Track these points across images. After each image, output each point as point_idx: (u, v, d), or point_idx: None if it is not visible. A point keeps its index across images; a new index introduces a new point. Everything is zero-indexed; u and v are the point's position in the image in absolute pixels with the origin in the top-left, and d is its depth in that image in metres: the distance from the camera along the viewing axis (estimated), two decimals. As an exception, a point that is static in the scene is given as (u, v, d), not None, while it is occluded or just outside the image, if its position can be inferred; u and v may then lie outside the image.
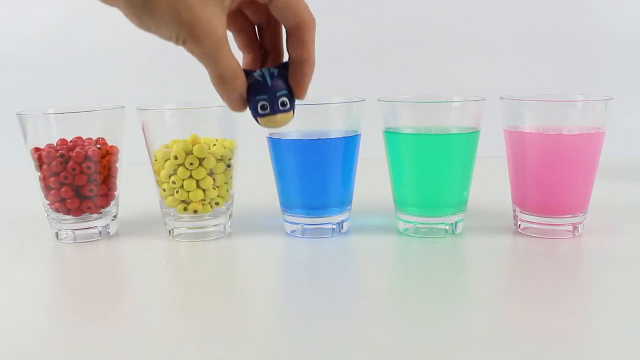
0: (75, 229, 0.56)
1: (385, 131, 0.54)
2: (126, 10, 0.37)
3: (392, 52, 0.98)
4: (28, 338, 0.37)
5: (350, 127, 0.54)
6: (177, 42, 0.38)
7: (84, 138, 0.55)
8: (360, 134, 0.55)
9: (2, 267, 0.51)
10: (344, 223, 0.56)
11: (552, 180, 0.52)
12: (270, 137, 0.55)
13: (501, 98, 0.54)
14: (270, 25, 0.43)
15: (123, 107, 0.57)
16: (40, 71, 0.98)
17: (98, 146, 0.55)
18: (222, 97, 0.41)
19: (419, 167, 0.53)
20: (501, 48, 0.97)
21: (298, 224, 0.55)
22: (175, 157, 0.52)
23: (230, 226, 0.57)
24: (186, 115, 0.56)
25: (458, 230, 0.55)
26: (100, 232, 0.56)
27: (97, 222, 0.56)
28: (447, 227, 0.54)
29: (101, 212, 0.56)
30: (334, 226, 0.55)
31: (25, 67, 0.99)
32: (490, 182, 0.64)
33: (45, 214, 0.56)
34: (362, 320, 0.39)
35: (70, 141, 0.55)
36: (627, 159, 0.88)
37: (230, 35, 0.41)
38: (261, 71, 0.42)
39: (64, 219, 0.55)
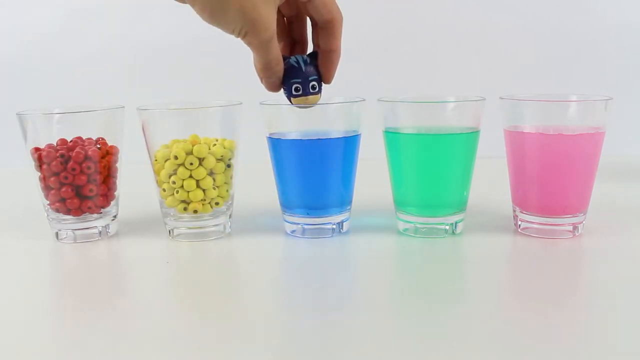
0: (75, 229, 0.56)
1: (385, 131, 0.54)
2: (201, 7, 0.43)
3: (393, 52, 0.98)
4: (28, 338, 0.37)
5: (350, 127, 0.54)
6: (238, 34, 0.44)
7: (84, 138, 0.55)
8: (360, 134, 0.55)
9: (2, 267, 0.51)
10: (344, 223, 0.56)
11: (552, 180, 0.52)
12: (270, 137, 0.55)
13: (501, 98, 0.54)
14: (298, 19, 0.50)
15: (123, 107, 0.57)
16: (40, 71, 0.98)
17: (98, 146, 0.55)
18: (262, 79, 0.48)
19: (419, 167, 0.53)
20: (501, 48, 0.97)
21: (298, 224, 0.55)
22: (175, 157, 0.52)
23: (230, 226, 0.57)
24: (186, 115, 0.56)
25: (458, 230, 0.55)
26: (100, 232, 0.56)
27: (97, 222, 0.56)
28: (447, 227, 0.54)
29: (101, 212, 0.56)
30: (334, 226, 0.55)
31: (25, 67, 0.99)
32: (490, 182, 0.64)
33: (45, 214, 0.56)
34: (362, 320, 0.39)
35: (70, 141, 0.55)
36: (627, 159, 0.88)
37: None
38: (295, 58, 0.48)
39: (64, 219, 0.55)
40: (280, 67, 0.47)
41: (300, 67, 0.48)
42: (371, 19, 0.97)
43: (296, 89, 0.48)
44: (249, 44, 0.45)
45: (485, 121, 0.53)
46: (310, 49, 0.50)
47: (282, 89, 0.49)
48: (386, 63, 0.98)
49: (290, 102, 0.49)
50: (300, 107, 0.49)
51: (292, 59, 0.48)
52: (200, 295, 0.44)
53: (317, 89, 0.49)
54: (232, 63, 0.97)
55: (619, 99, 0.54)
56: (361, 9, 0.97)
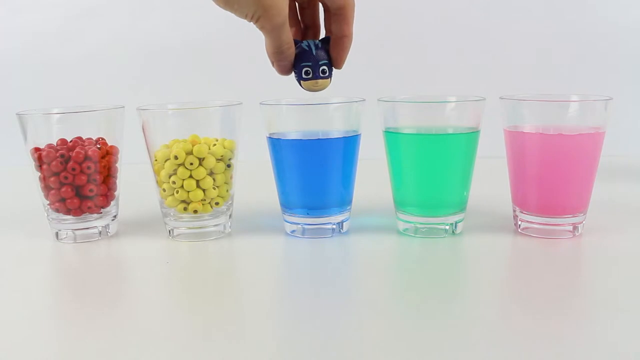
0: (75, 229, 0.56)
1: (385, 131, 0.54)
2: None
3: (392, 52, 0.98)
4: (28, 338, 0.37)
5: (350, 127, 0.54)
6: (251, 19, 0.45)
7: (84, 138, 0.55)
8: (360, 134, 0.55)
9: (2, 267, 0.51)
10: (344, 223, 0.56)
11: (552, 180, 0.52)
12: (270, 137, 0.55)
13: (501, 98, 0.54)
14: (310, 5, 0.51)
15: (123, 107, 0.57)
16: (40, 71, 0.98)
17: (98, 146, 0.55)
18: (274, 63, 0.49)
19: (419, 167, 0.53)
20: (501, 48, 0.97)
21: (298, 224, 0.55)
22: (175, 157, 0.52)
23: (230, 226, 0.57)
24: (186, 115, 0.56)
25: (458, 230, 0.55)
26: (100, 232, 0.56)
27: (97, 222, 0.56)
28: (447, 227, 0.54)
29: (101, 212, 0.56)
30: (334, 226, 0.55)
31: (25, 67, 0.99)
32: (490, 182, 0.64)
33: (45, 214, 0.56)
34: (362, 320, 0.39)
35: (70, 141, 0.55)
36: (627, 159, 0.88)
37: None
38: (307, 42, 0.49)
39: (64, 219, 0.55)
40: (291, 50, 0.48)
41: (311, 50, 0.49)
42: (371, 19, 0.97)
43: (306, 72, 0.49)
44: (261, 28, 0.46)
45: (485, 121, 0.53)
46: (322, 34, 0.51)
47: (292, 73, 0.50)
48: (386, 63, 0.98)
49: (301, 85, 0.50)
50: (309, 91, 0.50)
51: (304, 43, 0.49)
52: (200, 295, 0.44)
53: (327, 74, 0.50)
54: (232, 63, 0.97)
55: (619, 99, 0.54)
56: (361, 9, 0.97)
